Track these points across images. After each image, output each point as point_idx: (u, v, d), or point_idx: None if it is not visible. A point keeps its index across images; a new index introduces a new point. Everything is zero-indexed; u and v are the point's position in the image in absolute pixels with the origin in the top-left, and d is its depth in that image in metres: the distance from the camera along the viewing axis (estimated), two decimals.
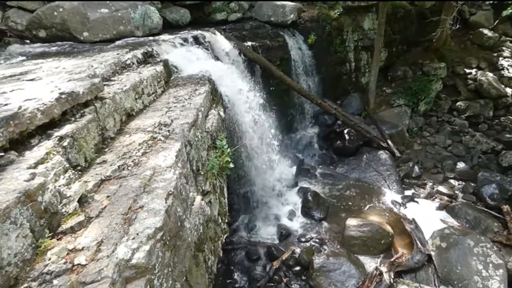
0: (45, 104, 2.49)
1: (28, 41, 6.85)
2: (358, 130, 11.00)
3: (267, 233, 7.94)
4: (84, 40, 6.64)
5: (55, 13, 6.53)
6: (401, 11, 13.84)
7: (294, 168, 10.39)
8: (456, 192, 9.45)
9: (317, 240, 7.59)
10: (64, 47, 6.16)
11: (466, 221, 8.16)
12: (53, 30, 6.68)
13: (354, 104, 12.67)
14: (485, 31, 15.54)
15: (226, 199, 4.94)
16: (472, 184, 9.57)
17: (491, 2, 7.27)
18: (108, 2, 7.09)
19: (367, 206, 8.76)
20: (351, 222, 7.67)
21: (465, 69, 14.21)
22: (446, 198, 9.15)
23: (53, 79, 3.24)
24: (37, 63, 4.39)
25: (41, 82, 3.17)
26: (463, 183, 9.76)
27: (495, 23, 15.73)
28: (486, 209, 8.54)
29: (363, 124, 11.39)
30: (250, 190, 8.06)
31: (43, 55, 5.29)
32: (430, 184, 9.75)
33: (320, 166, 10.85)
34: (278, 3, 11.32)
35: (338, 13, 12.46)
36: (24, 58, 5.07)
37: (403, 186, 9.73)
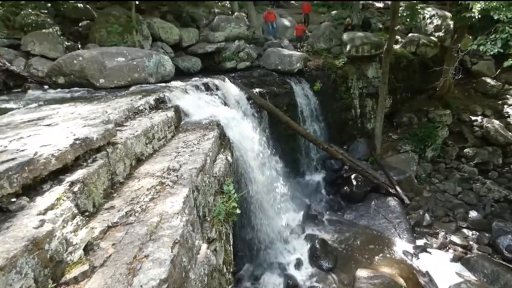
0: (60, 150, 2.56)
1: (47, 86, 7.18)
2: (365, 175, 10.91)
3: (273, 284, 7.59)
4: (100, 87, 6.93)
5: (75, 61, 6.91)
6: (404, 61, 14.37)
7: (301, 213, 10.18)
8: (471, 242, 9.08)
9: None
10: (81, 93, 6.41)
11: (484, 275, 7.75)
12: (71, 77, 7.01)
13: (360, 150, 12.71)
14: (488, 80, 15.91)
15: (231, 246, 4.81)
16: (487, 235, 9.22)
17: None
18: (125, 51, 7.50)
19: (378, 256, 8.41)
20: (362, 273, 7.33)
21: (471, 116, 14.35)
22: (460, 249, 8.78)
23: (69, 125, 3.35)
24: (54, 108, 4.54)
25: (57, 127, 3.27)
26: (477, 233, 9.41)
27: (497, 72, 16.17)
28: (504, 263, 8.13)
29: (370, 169, 11.32)
30: (256, 237, 7.84)
31: (60, 101, 5.49)
32: (443, 233, 9.42)
33: (328, 212, 10.63)
34: (286, 52, 11.89)
35: (343, 62, 12.99)
36: (42, 103, 5.26)
37: (414, 235, 9.41)
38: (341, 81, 12.81)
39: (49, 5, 10.40)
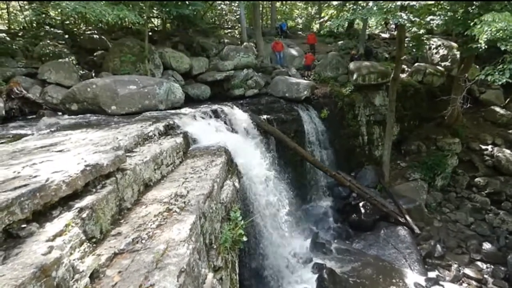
0: (71, 176, 2.61)
1: (60, 113, 7.40)
2: (374, 203, 10.74)
3: None
4: (112, 113, 7.10)
5: (89, 89, 7.14)
6: (411, 89, 14.48)
7: (309, 241, 9.98)
8: (486, 276, 8.73)
9: None
10: (93, 119, 6.57)
11: None
12: (84, 104, 7.23)
13: (368, 177, 12.58)
14: (497, 109, 15.85)
15: (237, 275, 4.71)
16: (502, 268, 8.86)
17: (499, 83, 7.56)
18: (137, 79, 7.74)
19: None
20: None
21: (481, 145, 14.20)
22: (474, 283, 8.44)
23: (80, 151, 3.42)
24: (66, 134, 4.65)
25: (69, 153, 3.34)
26: (492, 266, 9.05)
27: (506, 101, 16.12)
28: None
29: (379, 197, 11.15)
30: (262, 265, 7.66)
31: (73, 127, 5.63)
32: (456, 265, 9.08)
33: (336, 241, 10.39)
34: (293, 80, 12.12)
35: (350, 90, 13.15)
36: (56, 129, 5.40)
37: (426, 266, 9.09)
38: (348, 108, 12.91)
39: (66, 36, 10.90)
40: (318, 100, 12.30)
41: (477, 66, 14.20)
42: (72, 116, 6.96)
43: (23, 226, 2.14)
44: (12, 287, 1.62)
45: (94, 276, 2.25)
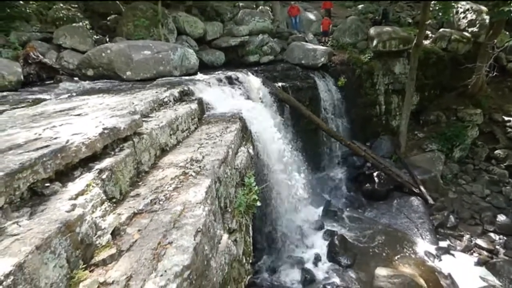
0: (90, 139, 2.68)
1: (76, 78, 7.47)
2: (388, 173, 10.70)
3: (290, 278, 7.63)
4: (127, 79, 7.13)
5: (103, 54, 7.13)
6: (433, 57, 13.85)
7: (321, 209, 10.14)
8: (497, 247, 8.75)
9: None
10: (108, 85, 6.62)
11: (510, 281, 7.47)
12: (100, 69, 7.26)
13: (384, 147, 12.45)
14: None
15: (250, 238, 4.87)
16: None
17: None
18: (151, 45, 7.66)
19: (398, 256, 8.25)
20: (381, 272, 7.23)
21: (504, 117, 13.67)
22: (486, 253, 8.48)
23: (98, 115, 3.48)
24: (84, 99, 4.73)
25: (87, 117, 3.41)
26: (505, 238, 9.04)
27: None
28: None
29: (394, 167, 11.08)
30: (275, 230, 7.89)
31: (89, 92, 5.71)
32: (468, 236, 9.12)
33: (348, 209, 10.52)
34: (310, 46, 11.75)
35: (369, 57, 12.70)
36: (73, 94, 5.48)
37: (438, 236, 9.16)
38: (366, 76, 12.55)
39: None
40: (335, 68, 11.96)
41: (507, 33, 13.41)
42: (89, 82, 7.04)
43: (46, 185, 2.23)
44: (39, 240, 1.72)
45: (116, 233, 2.36)
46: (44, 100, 5.18)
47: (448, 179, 11.64)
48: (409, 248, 8.57)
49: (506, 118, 13.59)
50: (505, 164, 12.08)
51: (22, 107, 4.63)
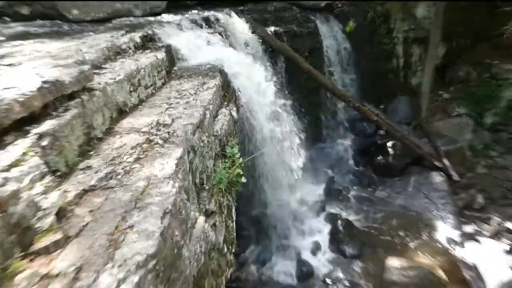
0: (25, 95, 2.58)
1: (7, 18, 7.18)
2: (405, 143, 10.85)
3: (283, 270, 7.85)
4: (73, 19, 6.92)
5: None
6: None
7: (322, 187, 10.32)
8: None
9: (348, 284, 7.45)
10: (49, 27, 6.42)
11: None
12: (37, 7, 7.01)
13: (401, 111, 12.57)
14: None
15: (234, 222, 4.96)
16: None
17: None
18: None
19: (414, 243, 8.56)
20: (393, 263, 7.52)
21: None
22: None
23: (35, 65, 3.36)
24: (17, 45, 4.57)
25: (21, 67, 3.29)
26: None
27: None
28: None
29: (413, 136, 11.22)
30: (264, 213, 8.03)
31: (24, 36, 5.52)
32: (498, 219, 9.46)
33: (355, 187, 10.76)
34: None
35: None
36: (3, 38, 5.29)
37: (462, 219, 9.48)
38: (381, 21, 12.40)
39: None
40: (342, 9, 11.75)
41: None
42: (23, 22, 6.79)
43: None
44: None
45: (61, 215, 2.34)
46: None
47: (478, 151, 11.89)
48: (427, 234, 8.88)
49: None
50: None
51: None
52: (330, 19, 11.36)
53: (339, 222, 8.67)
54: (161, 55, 5.29)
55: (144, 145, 3.17)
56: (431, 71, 12.23)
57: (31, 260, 2.02)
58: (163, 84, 5.08)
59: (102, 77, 3.88)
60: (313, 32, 10.75)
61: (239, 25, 8.24)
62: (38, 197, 2.27)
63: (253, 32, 8.48)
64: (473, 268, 7.73)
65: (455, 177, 10.58)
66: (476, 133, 12.37)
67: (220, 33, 7.47)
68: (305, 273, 7.70)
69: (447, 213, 9.47)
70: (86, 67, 3.38)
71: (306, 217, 9.07)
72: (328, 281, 7.53)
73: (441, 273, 7.36)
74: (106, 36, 5.38)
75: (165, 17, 7.62)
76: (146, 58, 4.94)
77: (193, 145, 3.44)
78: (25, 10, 7.10)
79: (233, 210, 4.95)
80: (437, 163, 10.76)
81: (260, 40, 8.60)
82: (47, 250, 2.07)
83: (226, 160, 4.48)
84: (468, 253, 8.39)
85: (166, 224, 2.31)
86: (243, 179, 4.55)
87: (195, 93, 4.56)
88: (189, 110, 3.93)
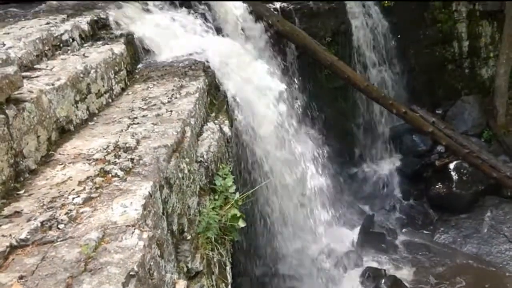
0: None
1: None
2: (475, 164, 10.83)
3: None
4: None
5: None
6: None
7: (356, 230, 10.28)
8: None
9: None
10: None
11: None
12: None
13: (467, 117, 12.58)
14: None
15: (229, 285, 4.92)
16: None
17: None
18: None
19: None
20: None
21: None
22: None
23: None
24: None
25: None
26: None
27: None
28: None
29: (486, 152, 11.21)
30: (274, 272, 7.97)
31: None
32: None
33: (404, 230, 10.72)
34: None
35: None
36: None
37: None
38: None
39: None
40: None
41: None
42: None
43: None
44: None
45: None
46: None
47: None
48: None
49: None
50: None
51: None
52: None
53: (383, 281, 8.60)
54: (119, 48, 5.30)
55: (97, 179, 3.17)
56: (510, 59, 12.28)
57: None
58: (123, 89, 5.09)
59: (35, 82, 3.89)
60: (337, 9, 10.84)
61: (230, 3, 8.30)
62: None
63: (251, 12, 8.56)
64: None
65: None
66: None
67: (202, 15, 7.54)
68: None
69: None
70: (11, 69, 3.39)
71: (335, 275, 8.99)
72: None
73: None
74: (40, 22, 5.38)
75: None
76: (98, 53, 4.95)
77: (168, 176, 3.43)
78: None
79: (228, 268, 4.92)
80: None
81: (261, 23, 8.67)
82: None
83: (216, 197, 4.47)
84: None
85: None
86: (242, 223, 4.54)
87: (169, 102, 4.58)
88: (161, 127, 3.94)
